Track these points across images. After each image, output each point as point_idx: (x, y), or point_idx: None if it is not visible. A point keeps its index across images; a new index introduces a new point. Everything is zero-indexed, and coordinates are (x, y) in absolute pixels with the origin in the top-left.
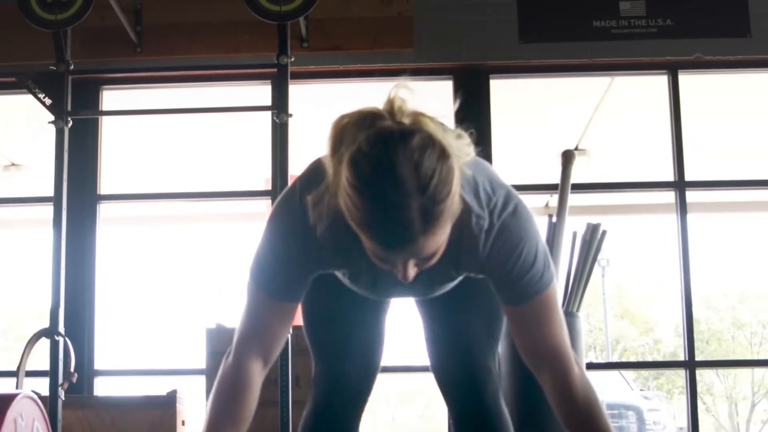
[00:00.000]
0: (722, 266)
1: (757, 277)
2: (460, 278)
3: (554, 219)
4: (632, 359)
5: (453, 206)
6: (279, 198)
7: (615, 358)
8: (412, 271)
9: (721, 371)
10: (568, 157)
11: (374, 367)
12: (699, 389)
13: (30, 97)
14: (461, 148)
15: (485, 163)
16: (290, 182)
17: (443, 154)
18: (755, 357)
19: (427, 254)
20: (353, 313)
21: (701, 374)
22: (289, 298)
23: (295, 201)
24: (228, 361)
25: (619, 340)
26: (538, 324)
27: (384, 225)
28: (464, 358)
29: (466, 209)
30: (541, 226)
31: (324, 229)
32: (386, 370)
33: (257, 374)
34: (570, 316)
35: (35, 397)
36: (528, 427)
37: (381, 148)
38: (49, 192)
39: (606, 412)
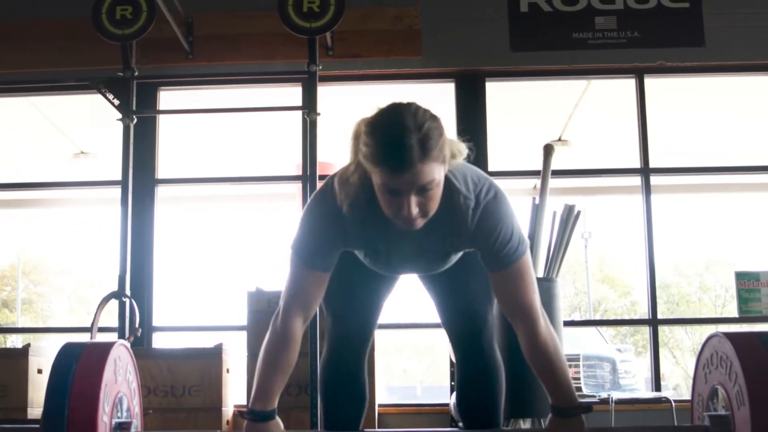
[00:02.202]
0: (690, 238)
1: (719, 248)
2: (458, 256)
3: (537, 201)
4: (612, 318)
5: (443, 151)
6: (316, 190)
7: (597, 317)
8: (414, 207)
9: (689, 329)
10: (548, 150)
11: (369, 329)
12: (670, 345)
13: (95, 95)
14: (456, 143)
15: (473, 166)
16: (318, 169)
17: (436, 117)
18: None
19: (425, 181)
20: (359, 291)
21: (673, 332)
22: (321, 268)
23: (327, 191)
24: (277, 322)
25: (600, 302)
26: (514, 285)
27: (390, 152)
28: (468, 314)
29: (455, 190)
30: (526, 206)
31: (349, 207)
32: (400, 326)
33: (299, 330)
34: (549, 281)
35: (127, 345)
36: (515, 375)
37: (390, 107)
38: (113, 176)
39: (563, 355)
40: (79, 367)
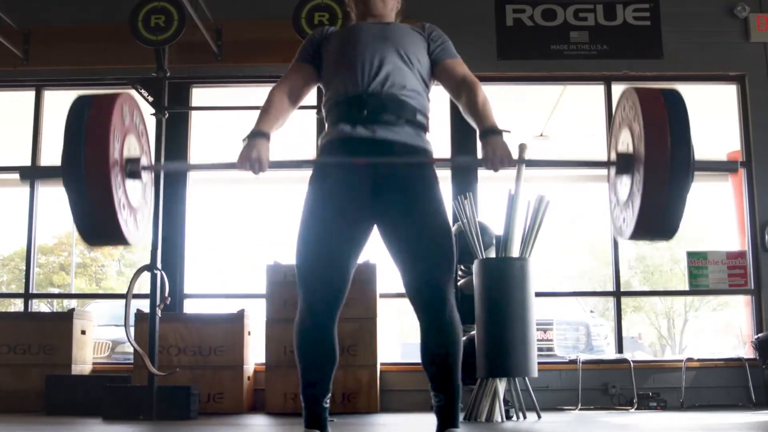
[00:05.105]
0: None
1: (686, 225)
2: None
3: (512, 192)
4: (596, 287)
5: None
6: None
7: (583, 284)
8: None
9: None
10: (522, 148)
11: (336, 294)
12: (646, 309)
13: (133, 93)
14: None
15: None
16: None
17: None
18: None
19: None
20: (326, 255)
21: (649, 297)
22: (306, 60)
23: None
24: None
25: (586, 271)
26: (460, 66)
27: None
28: (432, 285)
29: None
30: (502, 198)
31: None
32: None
33: (283, 96)
34: (523, 260)
35: (132, 95)
36: (493, 339)
37: None
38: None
39: (489, 103)
40: (91, 116)
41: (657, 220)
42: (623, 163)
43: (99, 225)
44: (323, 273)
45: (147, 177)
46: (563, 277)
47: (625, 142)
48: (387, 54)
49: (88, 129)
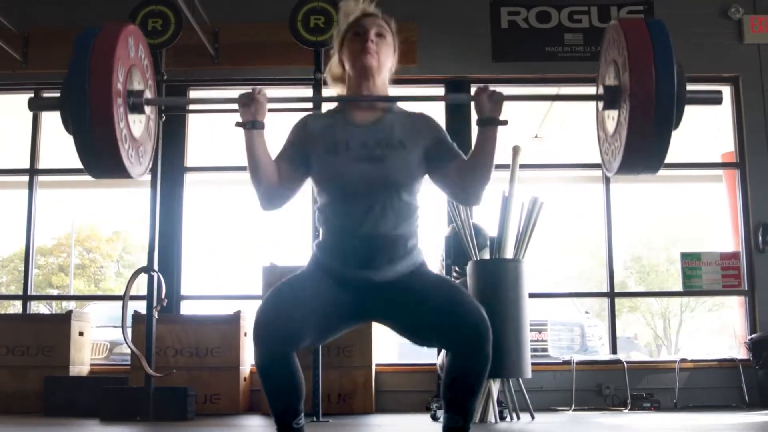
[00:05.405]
0: (657, 219)
1: (679, 227)
2: (414, 161)
3: (506, 193)
4: (593, 287)
5: (395, 38)
6: None
7: (580, 284)
8: (373, 37)
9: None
10: (516, 150)
11: (294, 331)
12: (642, 310)
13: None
14: None
15: None
16: None
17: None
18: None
19: (382, 26)
20: (289, 309)
21: (645, 298)
22: (286, 158)
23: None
24: None
25: (584, 272)
26: (463, 162)
27: (362, 12)
28: (476, 336)
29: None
30: (496, 199)
31: (313, 118)
32: None
33: (274, 172)
34: (517, 261)
35: (138, 29)
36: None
37: None
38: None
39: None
40: (96, 46)
41: (643, 147)
42: (610, 95)
43: (101, 155)
44: (282, 315)
45: (150, 111)
46: (563, 278)
47: (612, 76)
48: (380, 185)
49: (92, 57)
